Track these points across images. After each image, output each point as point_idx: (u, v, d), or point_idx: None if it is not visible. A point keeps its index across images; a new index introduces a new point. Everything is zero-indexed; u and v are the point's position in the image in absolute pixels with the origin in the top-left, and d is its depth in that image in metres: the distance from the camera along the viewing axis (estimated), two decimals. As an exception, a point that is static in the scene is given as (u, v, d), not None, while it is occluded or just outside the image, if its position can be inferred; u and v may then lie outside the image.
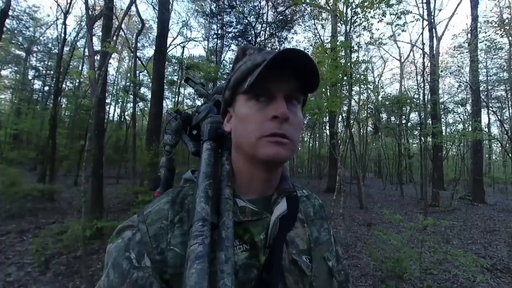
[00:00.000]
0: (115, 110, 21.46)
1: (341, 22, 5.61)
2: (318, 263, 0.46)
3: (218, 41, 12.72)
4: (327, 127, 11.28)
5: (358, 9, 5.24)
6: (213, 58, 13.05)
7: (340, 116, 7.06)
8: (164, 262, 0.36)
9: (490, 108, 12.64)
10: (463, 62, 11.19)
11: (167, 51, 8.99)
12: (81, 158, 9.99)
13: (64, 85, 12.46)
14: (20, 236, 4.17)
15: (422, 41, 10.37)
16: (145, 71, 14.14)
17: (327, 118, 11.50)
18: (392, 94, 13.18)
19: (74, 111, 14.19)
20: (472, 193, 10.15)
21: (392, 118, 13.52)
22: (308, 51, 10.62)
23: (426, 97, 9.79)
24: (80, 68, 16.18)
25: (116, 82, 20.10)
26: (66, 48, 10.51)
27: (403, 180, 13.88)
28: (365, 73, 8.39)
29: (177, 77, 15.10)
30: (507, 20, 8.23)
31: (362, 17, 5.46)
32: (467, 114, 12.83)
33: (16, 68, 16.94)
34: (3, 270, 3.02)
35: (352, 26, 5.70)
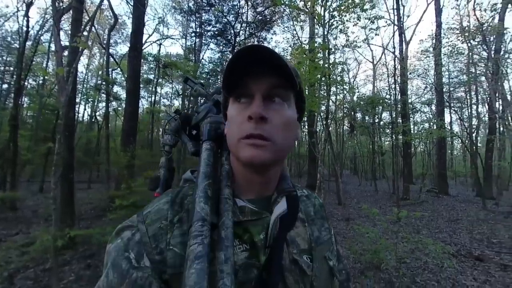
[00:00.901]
0: (85, 109, 20.21)
1: (319, 24, 5.78)
2: (319, 263, 0.46)
3: (197, 40, 12.47)
4: (306, 126, 11.55)
5: (335, 13, 5.44)
6: (191, 56, 12.76)
7: (319, 115, 7.28)
8: (163, 262, 0.36)
9: (452, 108, 13.79)
10: (428, 66, 12.10)
11: (143, 48, 8.62)
12: (47, 162, 9.22)
13: (26, 83, 11.39)
14: (-23, 250, 3.76)
15: (393, 45, 11.08)
16: (119, 68, 13.44)
17: (306, 118, 11.80)
18: (366, 94, 13.89)
19: (38, 111, 13.06)
20: (437, 186, 11.03)
21: (367, 118, 14.25)
22: (287, 52, 10.81)
23: (396, 97, 10.43)
24: (44, 65, 14.94)
25: (86, 80, 18.87)
26: (28, 43, 9.61)
27: (377, 176, 14.69)
28: (342, 74, 8.75)
29: (153, 75, 14.55)
30: (466, 28, 9.02)
31: (339, 20, 5.68)
32: (432, 113, 13.92)
33: (-33, 63, 15.19)
34: (-42, 289, 2.70)
35: (329, 28, 5.91)
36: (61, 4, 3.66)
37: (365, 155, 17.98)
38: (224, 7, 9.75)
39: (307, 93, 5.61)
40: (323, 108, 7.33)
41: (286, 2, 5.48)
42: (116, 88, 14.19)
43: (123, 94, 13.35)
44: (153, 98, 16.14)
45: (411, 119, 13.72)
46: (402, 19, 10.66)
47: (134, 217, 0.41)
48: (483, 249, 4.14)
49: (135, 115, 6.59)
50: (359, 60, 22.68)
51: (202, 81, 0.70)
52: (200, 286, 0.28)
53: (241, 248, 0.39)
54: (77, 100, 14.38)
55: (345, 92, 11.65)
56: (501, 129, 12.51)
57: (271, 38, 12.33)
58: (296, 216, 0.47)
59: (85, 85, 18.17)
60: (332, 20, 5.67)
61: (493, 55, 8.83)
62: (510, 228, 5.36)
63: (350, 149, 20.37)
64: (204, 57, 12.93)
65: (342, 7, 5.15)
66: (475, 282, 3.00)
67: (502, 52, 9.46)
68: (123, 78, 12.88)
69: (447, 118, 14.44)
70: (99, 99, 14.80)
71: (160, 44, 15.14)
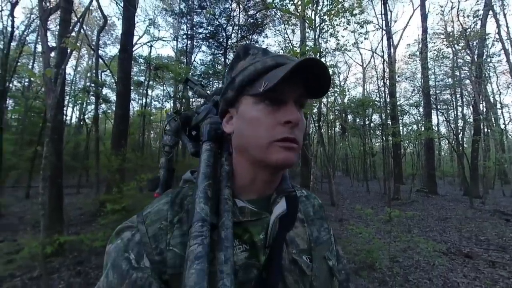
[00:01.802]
0: (73, 112, 19.66)
1: (310, 28, 5.87)
2: (318, 263, 0.46)
3: (188, 42, 12.41)
4: (299, 129, 11.62)
5: (326, 17, 5.54)
6: (183, 58, 12.67)
7: (311, 118, 7.36)
8: (163, 263, 0.36)
9: (439, 110, 14.22)
10: (416, 69, 12.47)
11: (133, 50, 8.51)
12: (33, 167, 8.91)
13: (11, 85, 11.00)
14: (-43, 260, 3.58)
15: (382, 49, 11.34)
16: (108, 70, 13.18)
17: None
18: (356, 97, 14.14)
19: (23, 114, 12.63)
20: (426, 186, 11.31)
21: (357, 119, 14.51)
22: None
23: (386, 99, 10.68)
24: (30, 66, 14.49)
25: (74, 82, 18.42)
26: (13, 43, 9.31)
27: (368, 176, 14.93)
28: (332, 77, 8.88)
29: (144, 77, 14.34)
30: (451, 33, 9.38)
31: (329, 24, 5.78)
32: (420, 115, 14.31)
33: None
34: None
35: (320, 32, 6.00)
36: (48, 4, 3.57)
37: (356, 157, 18.25)
38: (216, 10, 9.76)
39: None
40: (315, 110, 7.43)
41: (278, 6, 5.55)
42: (105, 90, 13.91)
43: (113, 96, 13.09)
44: (144, 100, 15.91)
45: (400, 120, 14.06)
46: (389, 24, 10.99)
47: (134, 217, 0.41)
48: (472, 247, 4.26)
49: (126, 118, 6.47)
50: (349, 63, 23.01)
51: (202, 82, 0.70)
52: (200, 287, 0.28)
53: (241, 248, 0.40)
54: (65, 102, 14.04)
55: (336, 94, 11.83)
56: (486, 130, 13.01)
57: (263, 41, 12.38)
58: (295, 216, 0.47)
59: (73, 87, 17.75)
60: (323, 24, 5.77)
61: (476, 59, 9.21)
62: (496, 226, 5.54)
63: (342, 151, 20.65)
64: (196, 59, 12.86)
65: (333, 12, 5.25)
66: (465, 279, 3.08)
67: (484, 56, 9.87)
68: (112, 80, 12.64)
69: (434, 120, 14.87)
70: (88, 101, 14.45)
71: (151, 46, 14.99)
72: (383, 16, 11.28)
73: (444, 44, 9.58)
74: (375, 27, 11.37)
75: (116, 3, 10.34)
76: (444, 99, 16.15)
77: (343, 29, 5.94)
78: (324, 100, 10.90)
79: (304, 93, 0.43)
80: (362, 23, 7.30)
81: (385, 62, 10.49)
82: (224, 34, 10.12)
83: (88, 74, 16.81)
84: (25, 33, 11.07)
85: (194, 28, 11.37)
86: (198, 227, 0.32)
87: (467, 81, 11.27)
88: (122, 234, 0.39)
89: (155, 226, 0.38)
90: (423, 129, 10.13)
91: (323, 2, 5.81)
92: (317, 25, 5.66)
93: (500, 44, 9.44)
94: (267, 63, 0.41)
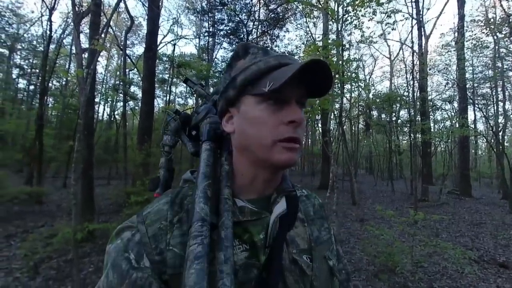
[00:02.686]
0: (104, 109, 21.01)
1: (333, 20, 5.64)
2: (318, 263, 0.46)
3: (210, 39, 12.59)
4: (320, 125, 11.36)
5: (349, 8, 5.28)
6: (204, 56, 12.91)
7: (332, 114, 7.13)
8: (163, 263, 0.36)
9: (476, 105, 13.03)
10: (450, 60, 11.47)
11: (158, 48, 8.83)
12: (70, 159, 9.71)
13: (50, 84, 12.03)
14: (7, 241, 4.03)
15: (411, 39, 10.58)
16: (135, 69, 13.86)
17: (319, 116, 11.60)
18: (382, 91, 13.44)
19: (61, 111, 13.77)
20: (459, 187, 10.49)
21: (383, 116, 13.79)
22: (300, 49, 10.67)
23: (415, 94, 9.99)
24: (67, 67, 15.71)
25: (105, 81, 19.64)
26: (52, 46, 10.14)
27: (394, 176, 14.19)
28: (356, 71, 8.49)
29: (168, 75, 14.87)
30: (492, 20, 8.48)
31: (353, 16, 5.51)
32: (454, 111, 13.22)
33: (-1, 67, 16.29)
34: (-10, 276, 2.92)
35: (343, 24, 5.75)
36: (80, 8, 3.83)
37: (381, 154, 17.40)
38: (237, 6, 9.76)
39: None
40: (336, 106, 7.18)
41: (299, -1, 5.40)
42: (133, 88, 14.62)
43: (139, 94, 13.77)
44: (168, 97, 16.52)
45: (431, 117, 13.10)
46: (421, 12, 10.18)
47: (134, 217, 0.41)
48: (508, 256, 3.90)
49: (151, 114, 6.76)
50: (376, 56, 21.86)
51: (202, 82, 0.70)
52: (200, 286, 0.28)
53: (241, 248, 0.40)
54: (97, 100, 15.08)
55: (360, 89, 11.33)
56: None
57: (284, 35, 12.21)
58: (295, 216, 0.47)
59: (104, 86, 18.95)
60: (346, 15, 5.51)
61: (522, 48, 8.25)
62: (540, 234, 5.00)
63: (366, 148, 19.82)
64: (217, 56, 13.02)
65: (357, 2, 4.98)
66: (499, 290, 2.84)
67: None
68: (139, 78, 13.27)
69: (470, 116, 13.69)
70: (117, 99, 15.34)
71: (174, 45, 15.41)
72: (413, 3, 10.49)
73: (484, 33, 8.69)
74: (404, 16, 10.62)
75: (142, 4, 10.77)
76: (482, 93, 14.71)
77: (369, 20, 5.61)
78: (348, 95, 10.51)
79: (305, 93, 0.43)
80: (390, 12, 6.84)
81: (414, 53, 9.78)
82: (244, 30, 10.11)
83: (117, 73, 17.82)
84: (62, 36, 12.00)
85: (215, 25, 11.48)
86: (198, 227, 0.33)
87: (510, 73, 10.15)
88: (122, 234, 0.39)
89: (155, 226, 0.39)
90: (457, 125, 9.36)
91: (346, -8, 5.53)
92: (340, 17, 5.43)
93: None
94: (270, 63, 0.41)
